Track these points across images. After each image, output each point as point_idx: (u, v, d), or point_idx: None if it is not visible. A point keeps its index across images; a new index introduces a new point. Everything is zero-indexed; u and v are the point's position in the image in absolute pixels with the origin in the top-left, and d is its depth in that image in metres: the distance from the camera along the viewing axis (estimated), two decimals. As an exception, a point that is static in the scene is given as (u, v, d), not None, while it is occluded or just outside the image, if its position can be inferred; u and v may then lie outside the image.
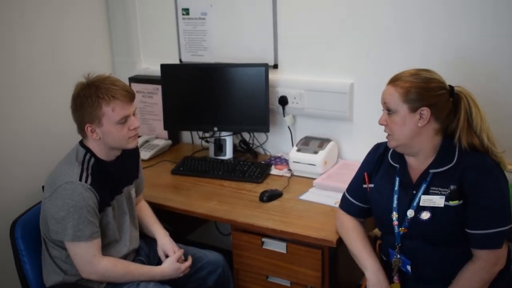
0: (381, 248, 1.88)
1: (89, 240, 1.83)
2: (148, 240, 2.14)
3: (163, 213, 2.23)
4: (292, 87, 2.55)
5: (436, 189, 1.68)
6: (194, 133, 2.94)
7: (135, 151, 2.12)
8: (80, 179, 1.83)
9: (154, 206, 2.23)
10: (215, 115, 2.65)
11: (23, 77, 2.51)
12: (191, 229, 2.74)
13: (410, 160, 1.77)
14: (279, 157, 2.67)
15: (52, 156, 2.07)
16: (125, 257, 1.99)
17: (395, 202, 1.76)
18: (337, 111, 2.47)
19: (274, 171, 2.51)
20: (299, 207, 2.16)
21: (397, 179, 1.78)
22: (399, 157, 1.79)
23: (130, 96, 1.89)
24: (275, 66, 2.61)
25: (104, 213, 1.91)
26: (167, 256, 2.04)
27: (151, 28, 2.96)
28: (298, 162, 2.43)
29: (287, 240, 2.00)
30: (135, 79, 2.94)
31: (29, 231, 1.99)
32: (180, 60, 2.90)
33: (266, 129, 2.60)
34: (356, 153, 2.38)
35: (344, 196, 1.94)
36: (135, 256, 2.08)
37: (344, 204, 1.93)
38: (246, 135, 2.79)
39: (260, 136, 2.76)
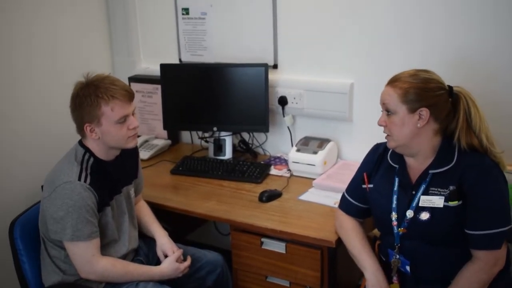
0: (380, 249, 1.88)
1: (88, 240, 1.83)
2: (147, 240, 2.14)
3: (162, 213, 2.23)
4: (292, 87, 2.55)
5: (436, 189, 1.68)
6: (194, 133, 2.93)
7: (134, 151, 2.12)
8: (79, 179, 1.83)
9: (153, 206, 2.23)
10: (215, 115, 2.64)
11: (23, 77, 2.51)
12: (190, 229, 2.74)
13: (409, 160, 1.77)
14: (278, 157, 2.66)
15: (52, 156, 2.06)
16: (124, 257, 1.98)
17: (395, 202, 1.75)
18: (336, 111, 2.47)
19: (273, 171, 2.51)
20: (298, 207, 2.16)
21: (397, 179, 1.78)
22: (399, 158, 1.79)
23: (129, 96, 1.89)
24: (275, 66, 2.61)
25: (103, 213, 1.91)
26: (166, 256, 2.04)
27: (151, 28, 2.96)
28: (298, 162, 2.43)
29: (286, 240, 2.00)
30: (135, 79, 2.94)
31: (28, 231, 1.98)
32: (180, 60, 2.90)
33: (265, 129, 2.60)
34: (355, 153, 2.37)
35: (343, 196, 1.94)
36: (134, 256, 2.08)
37: (344, 204, 1.93)
38: (245, 135, 2.79)
39: (260, 136, 2.76)
